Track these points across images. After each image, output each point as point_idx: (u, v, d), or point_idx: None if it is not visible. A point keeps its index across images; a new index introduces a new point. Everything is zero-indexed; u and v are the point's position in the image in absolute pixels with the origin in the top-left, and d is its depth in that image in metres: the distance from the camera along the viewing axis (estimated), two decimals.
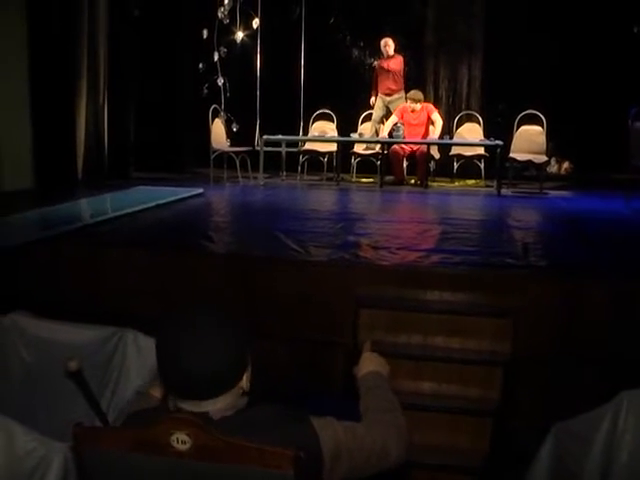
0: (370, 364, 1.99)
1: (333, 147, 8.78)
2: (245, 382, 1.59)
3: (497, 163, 7.92)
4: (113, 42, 8.28)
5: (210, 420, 1.49)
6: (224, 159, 8.39)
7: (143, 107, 9.57)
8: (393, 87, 8.68)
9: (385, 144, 8.36)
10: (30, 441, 2.29)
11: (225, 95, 8.70)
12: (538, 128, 8.44)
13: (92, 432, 1.59)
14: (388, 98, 8.71)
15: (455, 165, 8.76)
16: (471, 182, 8.83)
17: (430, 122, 8.50)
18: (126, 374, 3.06)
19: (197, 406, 1.52)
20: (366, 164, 9.01)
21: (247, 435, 1.45)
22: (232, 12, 8.44)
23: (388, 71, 8.63)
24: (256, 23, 8.58)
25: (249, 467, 1.43)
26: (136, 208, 5.90)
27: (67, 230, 4.81)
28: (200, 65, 8.59)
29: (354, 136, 8.86)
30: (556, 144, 9.28)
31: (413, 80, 9.33)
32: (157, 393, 1.94)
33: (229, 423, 1.49)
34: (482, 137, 8.54)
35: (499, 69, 9.66)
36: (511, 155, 8.23)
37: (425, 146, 8.26)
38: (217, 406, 1.52)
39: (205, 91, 8.60)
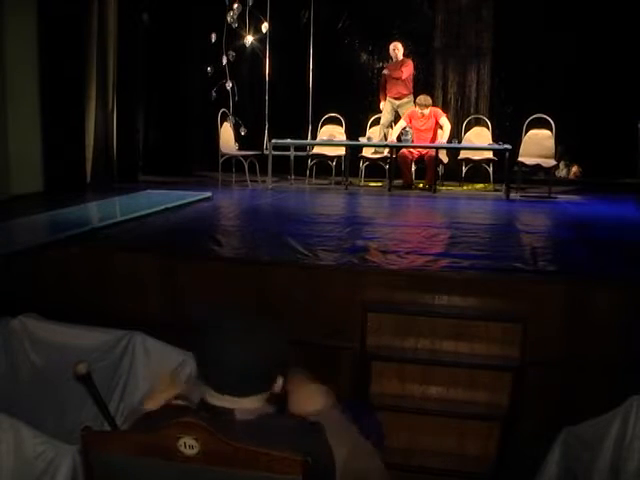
0: (308, 401, 1.74)
1: (342, 151, 8.77)
2: (279, 387, 1.61)
3: (506, 167, 7.90)
4: (122, 47, 8.31)
5: (232, 421, 1.50)
6: (232, 163, 8.40)
7: (152, 111, 9.62)
8: (403, 91, 8.67)
9: (394, 148, 8.35)
10: (39, 444, 2.30)
11: (234, 99, 8.72)
12: (547, 132, 8.41)
13: (100, 436, 1.60)
14: (397, 102, 8.71)
15: (464, 169, 8.74)
16: (480, 186, 8.81)
17: (438, 126, 8.49)
18: (134, 377, 3.06)
19: (229, 403, 1.54)
20: (374, 168, 9.00)
21: (262, 442, 1.45)
22: (241, 16, 8.46)
23: (397, 76, 8.62)
24: (265, 27, 8.59)
25: (257, 473, 1.43)
26: (144, 212, 5.91)
27: (76, 234, 4.82)
28: (209, 69, 8.60)
29: (363, 140, 8.87)
30: (565, 148, 9.26)
31: (422, 84, 9.33)
32: (153, 406, 1.94)
33: (248, 428, 1.49)
34: (491, 141, 8.51)
35: (508, 73, 9.66)
36: (520, 159, 8.20)
37: (434, 150, 8.24)
38: (248, 405, 1.54)
39: (214, 95, 8.61)
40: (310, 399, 1.74)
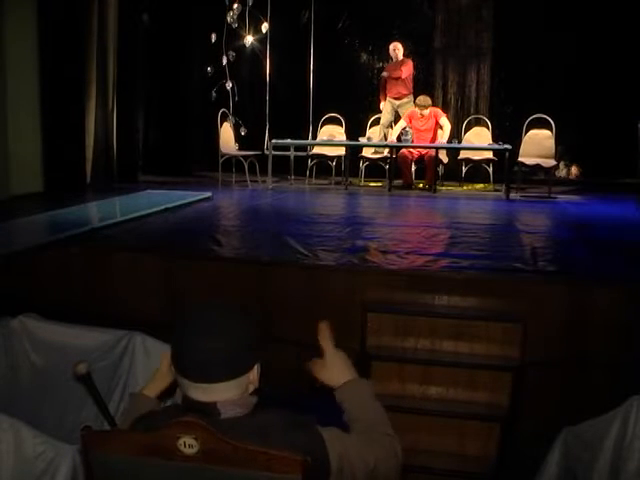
0: (344, 369, 1.79)
1: (342, 151, 8.77)
2: (255, 376, 1.59)
3: (506, 167, 7.90)
4: (122, 47, 8.32)
5: (219, 420, 1.49)
6: (232, 163, 8.41)
7: (152, 111, 9.62)
8: (403, 91, 8.67)
9: (393, 148, 8.35)
10: (39, 444, 2.30)
11: (234, 99, 8.72)
12: (547, 132, 8.42)
13: (100, 435, 1.60)
14: (397, 102, 8.71)
15: (463, 169, 8.74)
16: (479, 186, 8.82)
17: (438, 126, 8.50)
18: (134, 377, 3.06)
19: (206, 393, 1.51)
20: (374, 168, 9.00)
21: (255, 440, 1.45)
22: (241, 16, 8.46)
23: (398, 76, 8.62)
24: (265, 27, 8.59)
25: (257, 472, 1.43)
26: (144, 212, 5.92)
27: (76, 234, 4.83)
28: (209, 69, 8.60)
29: (363, 140, 8.87)
30: (565, 148, 9.26)
31: (422, 84, 9.33)
32: (152, 393, 1.95)
33: (238, 426, 1.48)
34: (490, 141, 8.51)
35: (508, 73, 9.66)
36: (520, 159, 8.21)
37: (433, 150, 8.25)
38: (226, 395, 1.52)
39: (214, 95, 8.61)
40: (344, 371, 1.78)
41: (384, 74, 8.79)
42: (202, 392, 1.52)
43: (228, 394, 1.52)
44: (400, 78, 8.57)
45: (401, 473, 1.69)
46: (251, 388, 1.59)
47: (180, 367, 1.55)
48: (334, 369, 1.78)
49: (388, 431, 1.72)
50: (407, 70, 8.59)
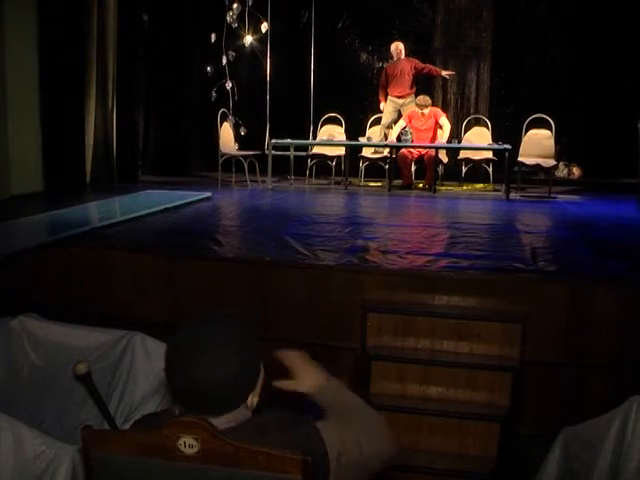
0: (315, 371, 1.77)
1: (341, 151, 8.77)
2: (251, 400, 1.55)
3: (505, 167, 7.90)
4: (122, 47, 8.31)
5: (216, 429, 1.48)
6: (232, 163, 8.41)
7: (152, 111, 9.62)
8: (407, 90, 8.67)
9: (393, 148, 8.35)
10: (39, 444, 2.30)
11: (233, 99, 8.72)
12: (547, 132, 8.42)
13: (100, 435, 1.59)
14: (401, 101, 8.70)
15: (463, 169, 8.74)
16: (479, 186, 8.82)
17: (438, 126, 8.50)
18: (134, 377, 3.06)
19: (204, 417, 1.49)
20: (374, 168, 9.00)
21: (253, 440, 1.45)
22: (241, 16, 8.46)
23: (401, 74, 8.62)
24: (265, 27, 8.59)
25: (257, 472, 1.43)
26: (144, 212, 5.91)
27: (76, 234, 4.83)
28: (208, 69, 8.61)
29: (362, 140, 8.87)
30: (565, 148, 9.26)
31: (422, 84, 9.33)
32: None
33: (235, 431, 1.48)
34: (490, 141, 8.51)
35: (508, 73, 9.66)
36: (519, 159, 8.20)
37: (433, 150, 8.25)
38: (221, 421, 1.50)
39: (214, 95, 8.61)
40: (315, 374, 1.76)
41: (386, 72, 8.78)
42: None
43: (223, 420, 1.50)
44: (402, 73, 8.54)
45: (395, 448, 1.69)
46: (250, 405, 1.56)
47: (174, 397, 1.52)
48: (307, 376, 1.76)
49: (371, 411, 1.73)
50: (409, 66, 8.60)
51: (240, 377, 1.49)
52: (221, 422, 1.49)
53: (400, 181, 8.58)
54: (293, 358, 1.78)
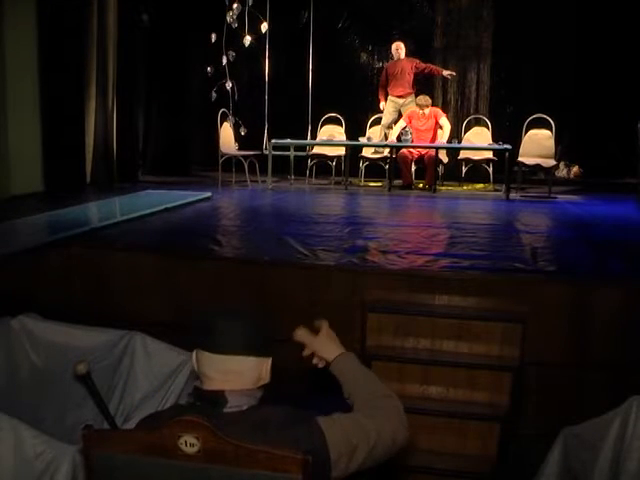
0: (335, 344, 1.94)
1: (341, 151, 8.77)
2: (266, 371, 1.67)
3: (506, 167, 7.89)
4: (122, 47, 8.31)
5: (221, 413, 1.51)
6: (232, 163, 8.40)
7: (152, 111, 9.62)
8: (407, 90, 8.67)
9: (393, 148, 8.35)
10: (39, 444, 2.30)
11: (233, 99, 8.71)
12: (547, 132, 8.42)
13: (100, 435, 1.60)
14: (401, 101, 8.70)
15: (463, 169, 8.75)
16: (479, 186, 8.82)
17: (438, 126, 8.50)
18: (134, 377, 3.07)
19: (219, 372, 1.59)
20: (374, 168, 9.00)
21: (255, 436, 1.45)
22: (241, 16, 8.45)
23: (402, 74, 8.62)
24: (265, 27, 8.58)
25: (257, 471, 1.43)
26: (144, 212, 5.91)
27: (76, 234, 4.83)
28: (209, 69, 8.60)
29: (362, 140, 8.86)
30: (565, 148, 9.26)
31: (422, 84, 9.33)
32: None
33: (239, 420, 1.49)
34: (490, 141, 8.51)
35: (508, 73, 9.66)
36: (519, 159, 8.20)
37: (433, 150, 8.25)
38: (237, 382, 1.58)
39: (214, 95, 8.60)
40: (335, 343, 1.93)
41: (386, 72, 8.79)
42: (215, 371, 1.59)
43: (240, 381, 1.58)
44: (403, 73, 8.54)
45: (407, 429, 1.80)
46: (260, 382, 1.65)
47: (201, 340, 1.63)
48: (329, 342, 1.93)
49: (386, 392, 1.83)
50: (409, 66, 8.60)
51: (259, 331, 1.67)
52: (236, 388, 1.58)
53: (400, 181, 8.58)
54: (326, 327, 1.97)
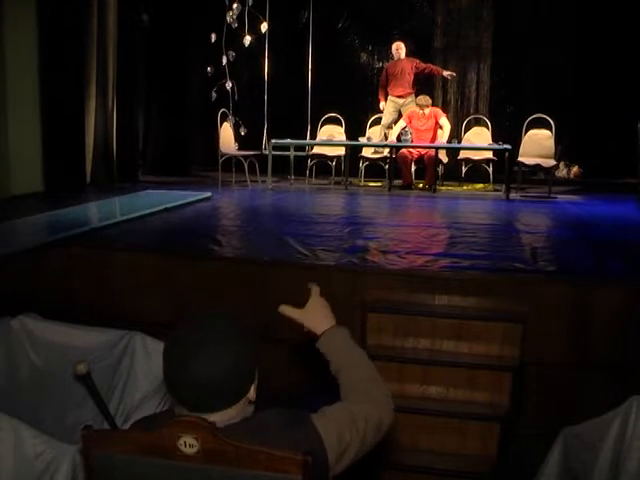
0: (322, 316, 1.83)
1: (341, 151, 8.77)
2: (253, 392, 1.57)
3: (506, 167, 7.89)
4: (122, 47, 8.31)
5: (216, 428, 1.48)
6: (232, 163, 8.40)
7: (152, 111, 9.62)
8: (407, 90, 8.67)
9: (393, 148, 8.35)
10: (39, 444, 2.30)
11: (233, 99, 8.71)
12: (546, 132, 8.42)
13: (100, 435, 1.59)
14: (401, 101, 8.70)
15: (463, 169, 8.75)
16: (479, 186, 8.81)
17: (438, 126, 8.50)
18: (134, 377, 3.07)
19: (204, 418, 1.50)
20: (374, 168, 9.00)
21: (252, 440, 1.45)
22: (240, 16, 8.45)
23: (402, 74, 8.62)
24: (264, 27, 8.58)
25: (257, 472, 1.43)
26: (144, 212, 5.91)
27: (76, 234, 4.83)
28: (209, 69, 8.60)
29: (362, 140, 8.86)
30: (565, 148, 9.26)
31: (422, 84, 9.33)
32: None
33: (235, 430, 1.48)
34: (490, 141, 8.51)
35: (508, 73, 9.66)
36: (519, 159, 8.20)
37: (433, 150, 8.25)
38: (224, 417, 1.50)
39: (214, 95, 8.61)
40: (326, 315, 1.84)
41: (387, 73, 8.79)
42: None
43: (226, 417, 1.51)
44: (403, 73, 8.54)
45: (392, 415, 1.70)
46: (248, 402, 1.57)
47: (175, 396, 1.52)
48: (316, 313, 1.83)
49: (373, 375, 1.74)
50: (410, 66, 8.61)
51: (238, 371, 1.49)
52: (224, 419, 1.49)
53: (400, 181, 8.58)
54: (315, 295, 1.86)
